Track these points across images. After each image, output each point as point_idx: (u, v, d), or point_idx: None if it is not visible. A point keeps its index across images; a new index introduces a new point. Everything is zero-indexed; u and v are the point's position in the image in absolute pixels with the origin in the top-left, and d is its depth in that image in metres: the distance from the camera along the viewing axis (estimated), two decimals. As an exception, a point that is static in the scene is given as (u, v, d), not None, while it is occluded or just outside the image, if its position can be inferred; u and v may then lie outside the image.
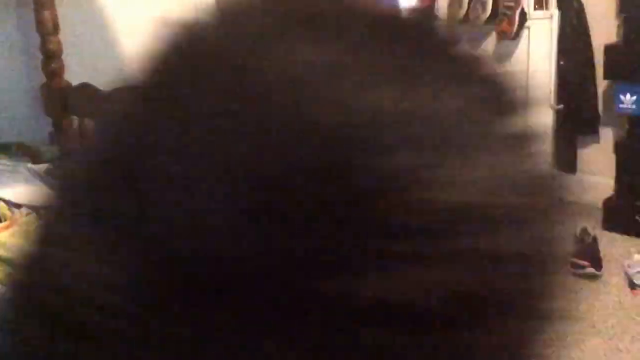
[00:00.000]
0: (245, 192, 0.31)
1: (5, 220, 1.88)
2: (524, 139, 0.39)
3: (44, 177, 2.01)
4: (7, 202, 1.92)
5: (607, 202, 3.61)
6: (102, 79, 2.89)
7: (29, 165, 2.11)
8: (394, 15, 0.39)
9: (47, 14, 2.80)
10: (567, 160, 3.94)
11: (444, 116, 0.33)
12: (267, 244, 0.30)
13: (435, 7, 3.97)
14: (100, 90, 2.68)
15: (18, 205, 1.94)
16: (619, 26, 3.48)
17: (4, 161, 2.14)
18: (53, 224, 0.37)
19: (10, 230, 1.83)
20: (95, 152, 0.38)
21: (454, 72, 0.37)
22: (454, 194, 0.31)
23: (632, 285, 3.08)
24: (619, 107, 3.43)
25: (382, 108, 0.32)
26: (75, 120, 2.90)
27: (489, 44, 3.91)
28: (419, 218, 0.31)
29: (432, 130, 0.33)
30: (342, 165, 0.30)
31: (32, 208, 1.94)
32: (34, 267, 0.36)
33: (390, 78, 0.34)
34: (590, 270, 3.15)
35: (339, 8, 0.37)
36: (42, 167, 2.10)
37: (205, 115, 0.33)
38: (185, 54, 0.38)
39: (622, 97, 3.39)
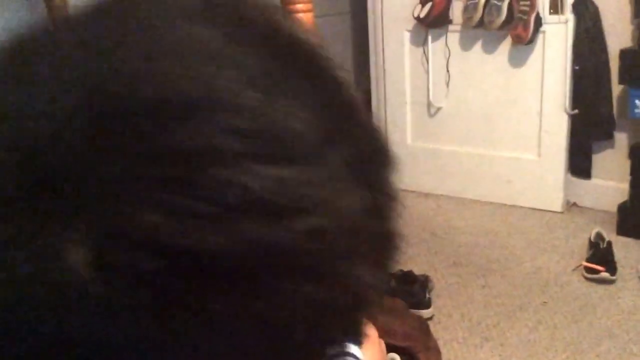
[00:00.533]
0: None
1: None
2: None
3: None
4: None
5: (622, 207, 3.62)
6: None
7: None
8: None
9: (58, 2, 2.82)
10: (582, 165, 3.95)
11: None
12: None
13: (450, 11, 4.00)
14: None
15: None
16: (634, 30, 3.49)
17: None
18: None
19: None
20: None
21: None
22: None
23: (648, 290, 3.09)
24: (634, 112, 3.44)
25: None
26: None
27: (504, 48, 3.93)
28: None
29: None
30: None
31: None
32: None
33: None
34: (605, 275, 3.17)
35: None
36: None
37: None
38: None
39: (637, 101, 3.40)
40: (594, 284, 3.19)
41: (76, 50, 0.37)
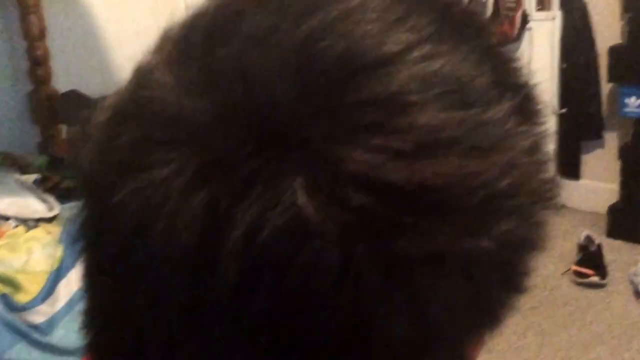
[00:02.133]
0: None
1: (-7, 232, 1.89)
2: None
3: (32, 188, 2.02)
4: (-6, 214, 1.93)
5: (612, 209, 3.62)
6: (90, 85, 2.92)
7: (17, 176, 2.11)
8: None
9: (33, 18, 2.81)
10: (570, 165, 3.95)
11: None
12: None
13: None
14: (88, 97, 2.70)
15: (6, 218, 1.95)
16: (623, 26, 3.48)
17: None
18: None
19: (-1, 242, 1.84)
20: None
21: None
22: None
23: (638, 295, 3.09)
24: (624, 111, 3.44)
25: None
26: (63, 128, 2.91)
27: (490, 46, 3.91)
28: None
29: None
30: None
31: (20, 220, 1.95)
32: None
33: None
34: (595, 279, 3.17)
35: None
36: (31, 177, 2.11)
37: None
38: None
39: (627, 100, 3.40)
40: (584, 289, 3.19)
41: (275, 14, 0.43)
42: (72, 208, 1.84)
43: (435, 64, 0.41)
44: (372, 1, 0.44)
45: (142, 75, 0.46)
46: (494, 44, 0.49)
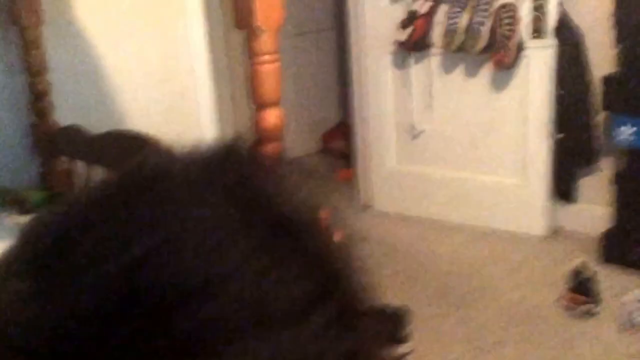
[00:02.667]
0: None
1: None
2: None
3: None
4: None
5: (607, 234, 3.65)
6: (91, 119, 2.95)
7: (14, 216, 2.15)
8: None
9: (35, 53, 2.85)
10: (566, 189, 3.98)
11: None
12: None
13: (431, 35, 4.03)
14: (89, 132, 2.73)
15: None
16: (617, 56, 3.51)
17: (-10, 212, 2.18)
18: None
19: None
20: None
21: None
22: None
23: (630, 324, 3.10)
24: (618, 139, 3.47)
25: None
26: (65, 161, 2.95)
27: (487, 72, 3.96)
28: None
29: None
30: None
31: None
32: None
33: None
34: (589, 306, 3.20)
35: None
36: (27, 219, 2.14)
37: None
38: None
39: (620, 128, 3.43)
40: (577, 316, 3.21)
41: (108, 235, 0.47)
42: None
43: (251, 289, 0.45)
44: (206, 222, 0.47)
45: None
46: (320, 248, 0.52)
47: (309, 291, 0.47)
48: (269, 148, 1.86)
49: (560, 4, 3.68)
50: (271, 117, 1.84)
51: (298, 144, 5.36)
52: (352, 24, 4.52)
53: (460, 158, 4.25)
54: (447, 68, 4.12)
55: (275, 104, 1.84)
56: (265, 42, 1.76)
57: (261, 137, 1.85)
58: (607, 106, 3.55)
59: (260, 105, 1.84)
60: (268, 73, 1.80)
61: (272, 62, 1.80)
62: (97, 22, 3.09)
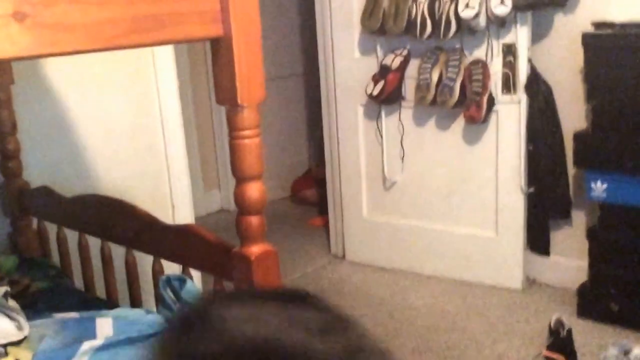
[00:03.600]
0: None
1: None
2: None
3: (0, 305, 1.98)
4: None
5: (581, 289, 3.64)
6: (62, 179, 2.90)
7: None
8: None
9: (4, 113, 2.81)
10: (540, 242, 3.97)
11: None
12: None
13: (403, 90, 4.02)
14: (59, 194, 2.68)
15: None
16: (587, 112, 3.52)
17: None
18: None
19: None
20: None
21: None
22: None
23: (607, 382, 3.07)
24: (590, 195, 3.46)
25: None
26: (34, 221, 2.90)
27: (458, 125, 3.95)
28: None
29: None
30: None
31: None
32: None
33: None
34: (566, 365, 3.16)
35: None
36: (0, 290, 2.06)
37: None
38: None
39: (593, 184, 3.42)
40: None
41: None
42: (40, 326, 1.80)
43: None
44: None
45: None
46: None
47: None
48: (253, 220, 1.82)
49: (530, 60, 3.69)
50: (253, 190, 1.81)
51: (267, 189, 5.30)
52: (323, 73, 4.52)
53: (433, 210, 4.24)
54: (419, 120, 4.11)
55: (257, 177, 1.81)
56: (247, 117, 1.73)
57: (244, 209, 1.81)
58: (578, 162, 3.55)
59: (241, 178, 1.80)
60: (250, 147, 1.77)
61: (253, 137, 1.76)
62: (66, 81, 3.04)
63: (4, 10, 1.33)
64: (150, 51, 3.26)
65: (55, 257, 2.85)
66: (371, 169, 4.42)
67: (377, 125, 4.27)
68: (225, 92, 1.70)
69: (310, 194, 5.74)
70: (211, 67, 1.73)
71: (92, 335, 1.94)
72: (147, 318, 2.04)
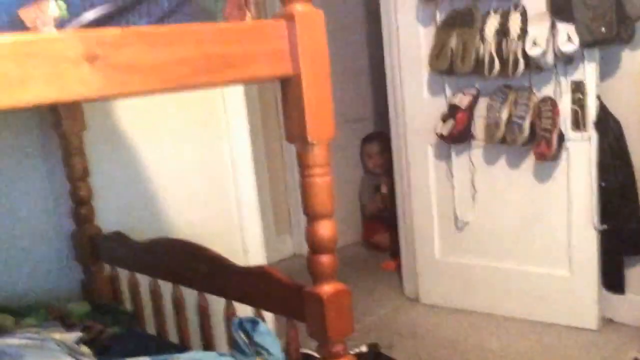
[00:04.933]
0: None
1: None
2: None
3: (73, 351, 1.96)
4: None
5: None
6: (134, 225, 2.90)
7: (58, 337, 2.06)
8: None
9: (76, 160, 2.82)
10: (614, 280, 3.87)
11: None
12: None
13: (472, 129, 3.97)
14: (131, 239, 2.67)
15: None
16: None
17: (32, 331, 2.09)
18: None
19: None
20: None
21: None
22: None
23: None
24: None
25: None
26: (106, 267, 2.89)
27: (529, 163, 3.88)
28: None
29: None
30: None
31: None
32: None
33: None
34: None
35: None
36: (72, 337, 2.05)
37: None
38: None
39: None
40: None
41: None
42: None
43: None
44: None
45: None
46: None
47: None
48: (324, 259, 1.77)
49: (598, 97, 3.64)
50: (324, 229, 1.78)
51: (338, 233, 5.28)
52: (393, 114, 4.53)
53: (505, 249, 4.19)
54: (489, 159, 4.07)
55: (328, 215, 1.78)
56: (317, 155, 1.70)
57: (315, 248, 1.77)
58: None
59: (312, 217, 1.76)
60: (321, 185, 1.73)
61: (324, 175, 1.73)
62: (137, 125, 3.06)
63: (75, 52, 1.33)
64: (221, 93, 3.27)
65: (127, 302, 2.84)
66: (442, 209, 4.40)
67: (447, 164, 4.24)
68: (295, 130, 1.68)
69: (381, 238, 5.68)
70: (281, 108, 1.70)
71: (166, 379, 1.91)
72: (219, 361, 2.01)
